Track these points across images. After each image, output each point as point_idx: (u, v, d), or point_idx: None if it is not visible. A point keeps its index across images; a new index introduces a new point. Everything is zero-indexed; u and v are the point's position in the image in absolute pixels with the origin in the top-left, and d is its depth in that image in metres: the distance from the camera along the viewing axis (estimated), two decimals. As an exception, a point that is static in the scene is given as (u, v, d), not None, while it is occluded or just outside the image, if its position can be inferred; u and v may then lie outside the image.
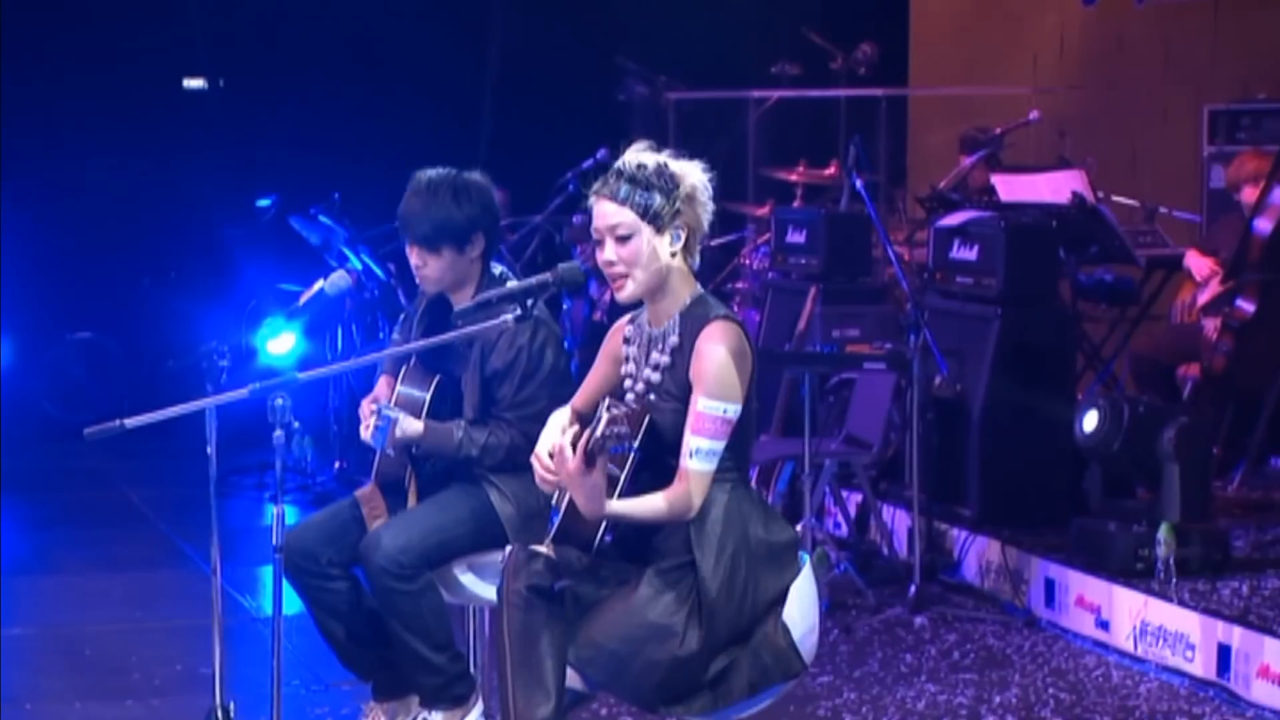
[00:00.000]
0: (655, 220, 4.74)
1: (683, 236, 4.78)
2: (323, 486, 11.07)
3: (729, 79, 12.42)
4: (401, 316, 6.35)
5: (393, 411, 5.68)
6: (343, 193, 10.86)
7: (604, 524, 4.69)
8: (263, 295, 12.35)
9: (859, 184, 8.52)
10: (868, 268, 10.24)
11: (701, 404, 4.62)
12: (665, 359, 4.80)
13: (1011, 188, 9.98)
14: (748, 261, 11.54)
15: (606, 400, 4.84)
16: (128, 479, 11.48)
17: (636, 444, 4.46)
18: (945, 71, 13.18)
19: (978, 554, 8.55)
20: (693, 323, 4.77)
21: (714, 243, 12.05)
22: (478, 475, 5.83)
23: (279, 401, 4.75)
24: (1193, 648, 7.23)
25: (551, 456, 4.80)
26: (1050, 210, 9.26)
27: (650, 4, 13.13)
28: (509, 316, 4.80)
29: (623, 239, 4.76)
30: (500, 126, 13.10)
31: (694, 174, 4.81)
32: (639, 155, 4.81)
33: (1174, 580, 7.59)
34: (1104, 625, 7.74)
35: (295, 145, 12.59)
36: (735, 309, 11.50)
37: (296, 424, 4.90)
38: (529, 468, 5.76)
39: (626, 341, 4.97)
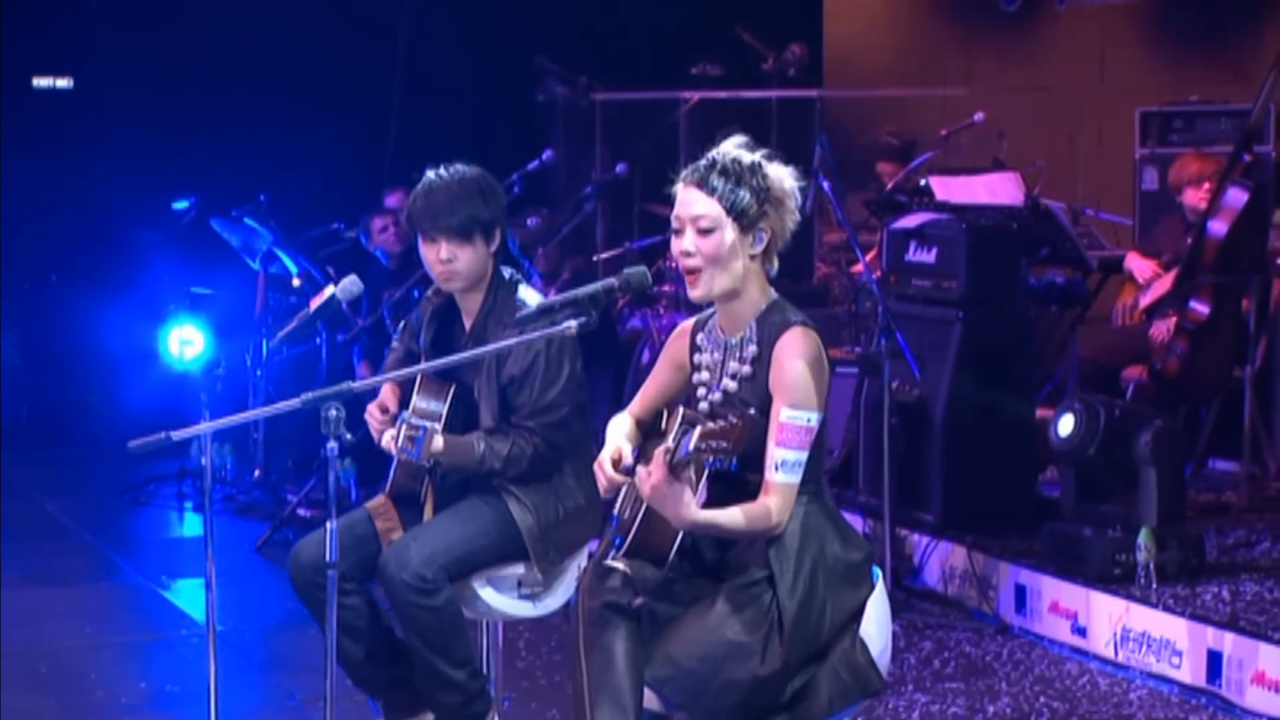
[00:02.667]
0: (741, 218, 4.60)
1: (765, 240, 4.64)
2: (248, 496, 10.81)
3: (656, 80, 12.27)
4: (403, 324, 6.14)
5: (426, 422, 5.48)
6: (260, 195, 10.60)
7: (678, 540, 4.53)
8: (173, 297, 12.11)
9: (826, 186, 8.39)
10: (809, 270, 10.15)
11: (785, 414, 4.48)
12: (746, 369, 4.65)
13: (949, 189, 9.90)
14: (672, 265, 11.36)
15: (682, 410, 4.68)
16: (40, 489, 11.16)
17: (737, 461, 4.26)
18: (862, 74, 13.11)
19: (940, 559, 8.47)
20: (771, 330, 4.63)
21: (635, 245, 11.93)
22: (496, 485, 5.65)
23: (333, 413, 4.52)
24: (1180, 654, 7.17)
25: (615, 464, 4.63)
26: (1005, 212, 9.19)
27: (571, 4, 12.96)
28: (573, 323, 4.62)
29: (705, 231, 4.62)
30: (416, 128, 12.84)
31: (787, 179, 4.68)
32: (735, 150, 4.66)
33: (1154, 585, 7.55)
34: (1081, 631, 7.67)
35: (211, 148, 12.27)
36: (660, 312, 11.37)
37: (349, 436, 4.67)
38: (550, 477, 5.65)
39: (696, 349, 4.82)
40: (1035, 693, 7.09)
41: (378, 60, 13.13)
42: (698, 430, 4.23)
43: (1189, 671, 7.12)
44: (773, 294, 4.71)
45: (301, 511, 9.89)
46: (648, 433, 4.92)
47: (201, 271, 12.13)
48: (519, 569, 5.69)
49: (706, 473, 4.44)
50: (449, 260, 5.67)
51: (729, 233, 4.60)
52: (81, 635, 7.99)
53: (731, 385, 4.67)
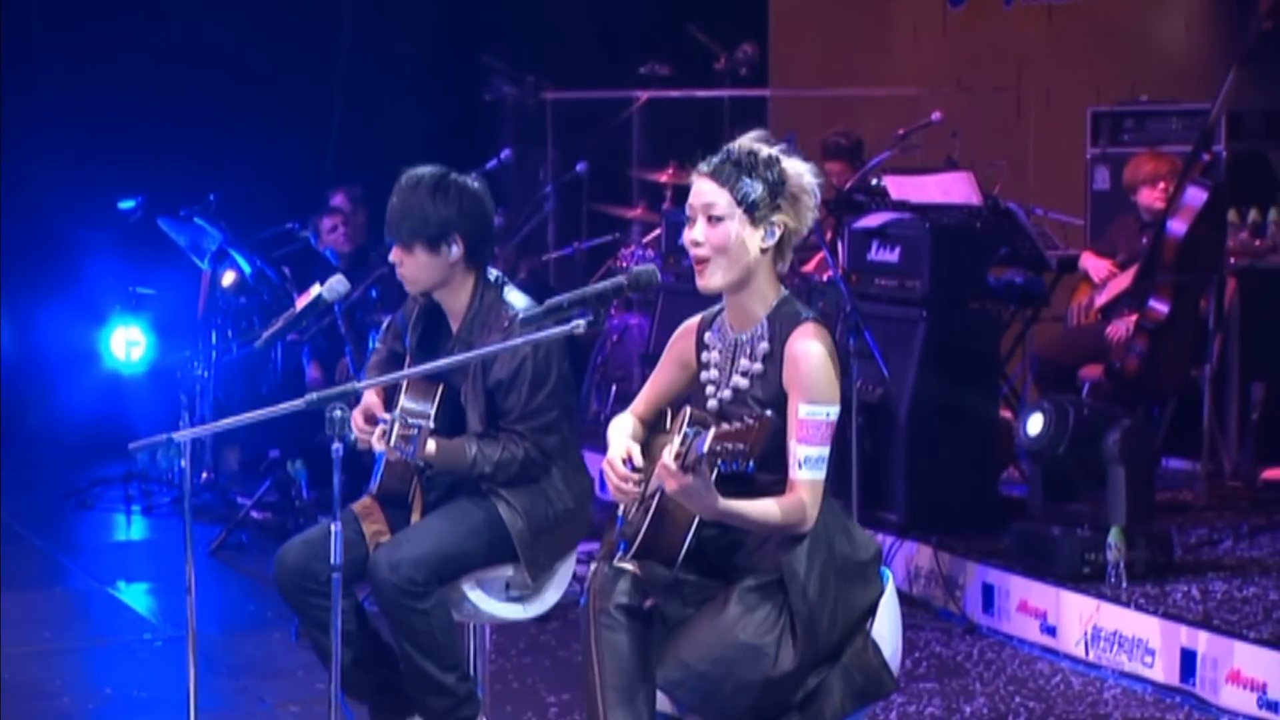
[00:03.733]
0: (751, 210, 4.55)
1: (777, 235, 4.59)
2: (198, 499, 10.69)
3: (607, 79, 12.21)
4: (385, 325, 6.07)
5: (421, 420, 5.40)
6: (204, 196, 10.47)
7: (687, 542, 4.47)
8: (114, 297, 11.98)
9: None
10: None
11: (804, 410, 4.43)
12: (757, 366, 4.60)
13: (903, 188, 9.88)
14: (623, 265, 11.33)
15: (688, 410, 4.63)
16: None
17: (753, 464, 4.20)
18: (807, 73, 13.09)
19: (906, 559, 8.45)
20: (783, 326, 4.58)
21: (584, 245, 11.89)
22: (485, 488, 5.59)
23: (338, 413, 4.45)
24: (1153, 653, 7.18)
25: (625, 462, 4.58)
26: (967, 211, 9.18)
27: (520, 3, 12.90)
28: (580, 323, 4.55)
29: (715, 220, 4.57)
30: (361, 127, 12.72)
31: (805, 175, 4.64)
32: (752, 143, 4.62)
33: (1124, 584, 7.55)
34: (1050, 631, 7.67)
35: (156, 147, 12.10)
36: (612, 313, 11.32)
37: (354, 436, 4.60)
38: (539, 480, 5.59)
39: (703, 346, 4.76)
40: (1010, 692, 7.08)
41: (322, 59, 13.00)
42: (712, 431, 4.16)
43: (1162, 670, 7.12)
44: (783, 290, 4.67)
45: (255, 514, 9.80)
46: (651, 432, 4.86)
47: (142, 271, 12.00)
48: (508, 571, 5.63)
49: (716, 474, 4.38)
50: (398, 264, 5.68)
51: (738, 224, 4.56)
52: (41, 640, 7.87)
53: (743, 383, 4.62)
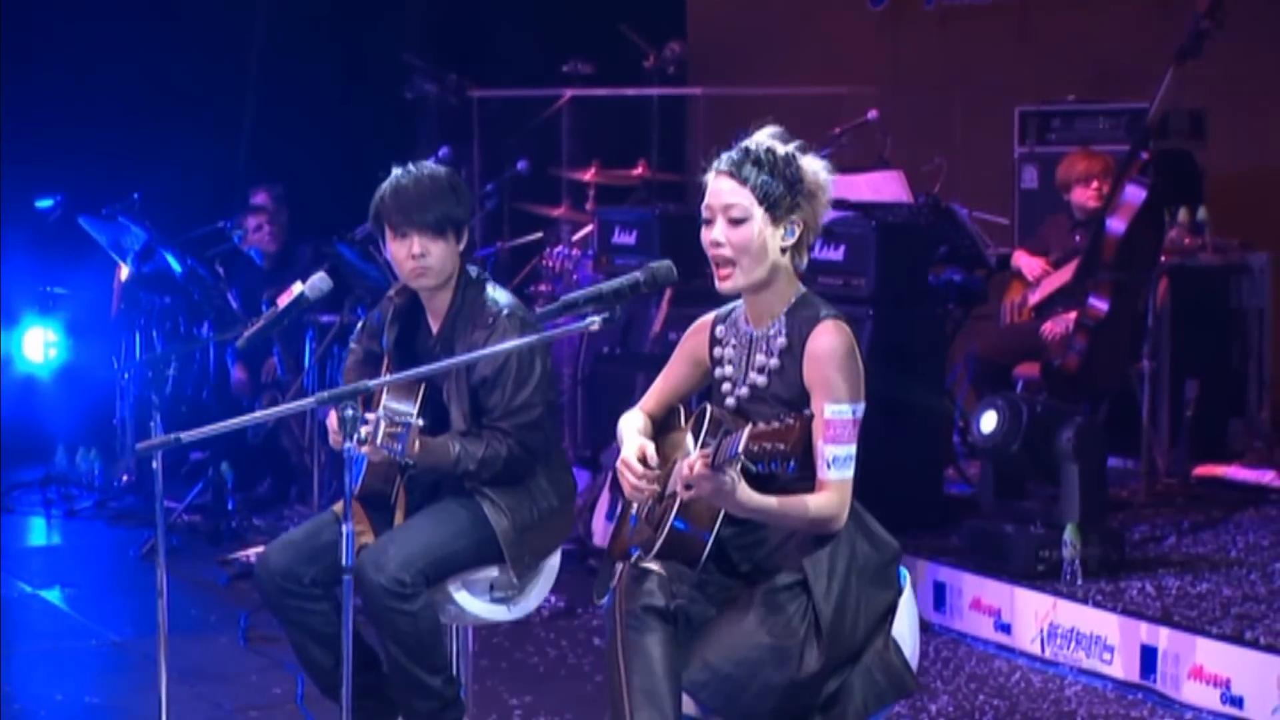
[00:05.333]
0: (774, 209, 4.50)
1: (797, 232, 4.55)
2: (120, 502, 10.53)
3: (535, 78, 12.13)
4: (360, 324, 5.97)
5: (408, 419, 5.30)
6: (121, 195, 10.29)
7: (709, 543, 4.41)
8: (27, 297, 11.78)
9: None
10: (701, 269, 10.03)
11: (830, 410, 4.39)
12: (773, 362, 4.55)
13: (834, 187, 9.83)
14: (550, 264, 11.24)
15: (709, 408, 4.57)
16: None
17: (794, 464, 4.13)
18: (734, 72, 13.06)
19: (853, 558, 8.40)
20: (801, 323, 4.53)
21: (508, 245, 11.78)
22: (469, 488, 5.50)
23: (349, 412, 4.36)
24: (1111, 650, 7.19)
25: (643, 462, 4.51)
26: (908, 209, 9.18)
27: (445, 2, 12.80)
28: (595, 320, 4.48)
29: (736, 221, 4.52)
30: (281, 126, 12.54)
31: (821, 172, 4.60)
32: (769, 140, 4.56)
33: (1080, 581, 7.56)
34: (1005, 629, 7.66)
35: (71, 146, 11.88)
36: (536, 311, 11.21)
37: (365, 435, 4.51)
38: (524, 479, 5.51)
39: (717, 342, 4.71)
40: (972, 690, 7.06)
41: (238, 56, 12.83)
42: (747, 430, 4.10)
43: (1121, 667, 7.13)
44: (801, 288, 4.63)
45: (185, 517, 9.65)
46: (660, 429, 4.80)
47: (56, 271, 11.80)
48: (493, 572, 5.55)
49: (742, 470, 4.32)
50: (421, 255, 5.51)
51: (760, 223, 4.50)
52: (-21, 647, 7.72)
53: (760, 380, 4.56)
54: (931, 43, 12.50)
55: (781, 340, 4.55)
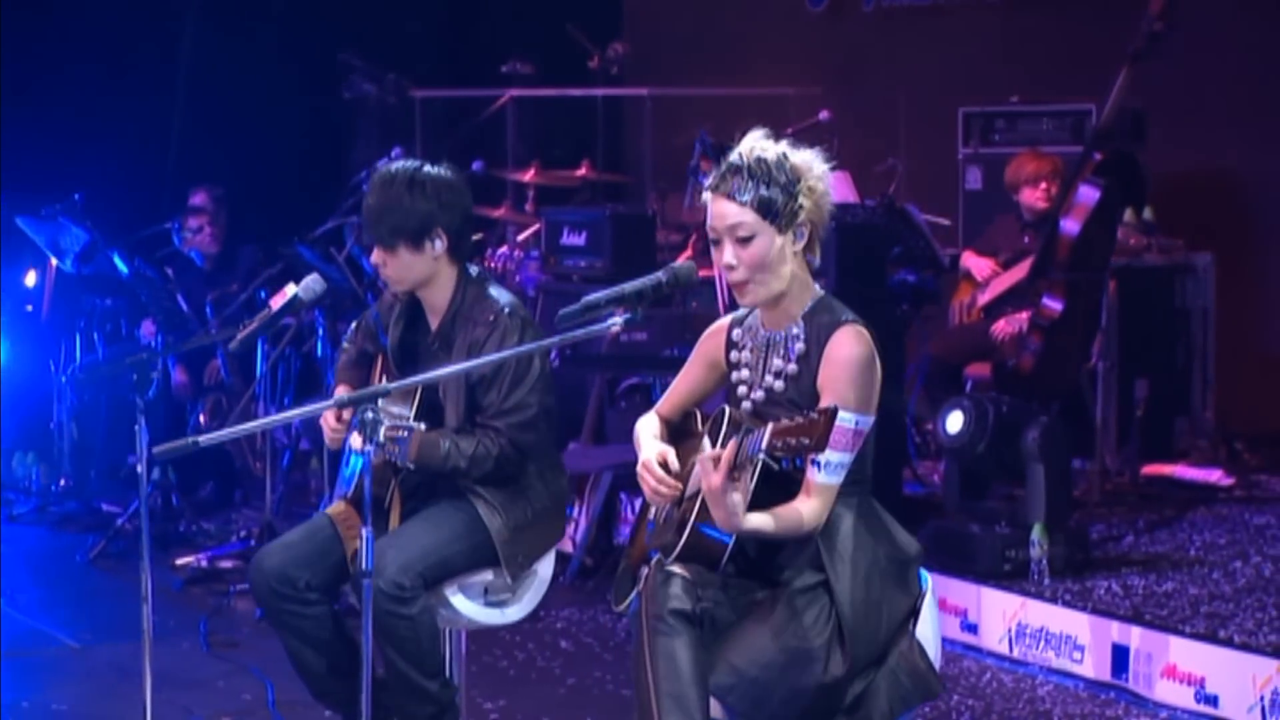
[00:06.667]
0: (778, 219, 4.43)
1: (805, 234, 4.50)
2: (61, 507, 10.38)
3: (477, 78, 12.06)
4: (355, 324, 5.89)
5: (410, 422, 5.23)
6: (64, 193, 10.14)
7: (731, 544, 4.37)
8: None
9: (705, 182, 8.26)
10: (653, 270, 9.99)
11: (837, 417, 4.33)
12: (791, 366, 4.51)
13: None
14: (493, 265, 11.17)
15: (727, 410, 4.52)
16: None
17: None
18: (674, 72, 13.03)
19: (813, 559, 8.39)
20: (819, 328, 4.49)
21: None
22: (463, 488, 5.44)
23: (369, 414, 4.29)
24: (1082, 649, 7.20)
25: (664, 466, 4.47)
26: (865, 209, 9.17)
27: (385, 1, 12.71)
28: (618, 321, 4.43)
29: (744, 240, 4.44)
30: (216, 127, 12.41)
31: (815, 164, 4.50)
32: (757, 146, 4.47)
33: (1047, 581, 7.57)
34: (972, 628, 7.67)
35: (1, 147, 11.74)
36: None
37: (383, 438, 4.44)
38: (517, 479, 5.45)
39: (734, 346, 4.66)
40: (948, 692, 7.05)
41: (170, 56, 12.69)
42: (769, 427, 4.07)
43: (1092, 666, 7.14)
44: (818, 290, 4.57)
45: (129, 524, 9.52)
46: (676, 433, 4.76)
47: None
48: (488, 575, 5.49)
49: (756, 473, 4.29)
50: (379, 265, 5.51)
51: (768, 236, 4.44)
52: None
53: (777, 384, 4.52)
54: (873, 43, 12.51)
55: (800, 345, 4.51)
